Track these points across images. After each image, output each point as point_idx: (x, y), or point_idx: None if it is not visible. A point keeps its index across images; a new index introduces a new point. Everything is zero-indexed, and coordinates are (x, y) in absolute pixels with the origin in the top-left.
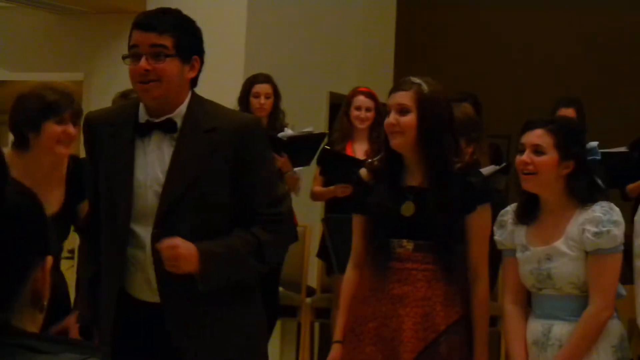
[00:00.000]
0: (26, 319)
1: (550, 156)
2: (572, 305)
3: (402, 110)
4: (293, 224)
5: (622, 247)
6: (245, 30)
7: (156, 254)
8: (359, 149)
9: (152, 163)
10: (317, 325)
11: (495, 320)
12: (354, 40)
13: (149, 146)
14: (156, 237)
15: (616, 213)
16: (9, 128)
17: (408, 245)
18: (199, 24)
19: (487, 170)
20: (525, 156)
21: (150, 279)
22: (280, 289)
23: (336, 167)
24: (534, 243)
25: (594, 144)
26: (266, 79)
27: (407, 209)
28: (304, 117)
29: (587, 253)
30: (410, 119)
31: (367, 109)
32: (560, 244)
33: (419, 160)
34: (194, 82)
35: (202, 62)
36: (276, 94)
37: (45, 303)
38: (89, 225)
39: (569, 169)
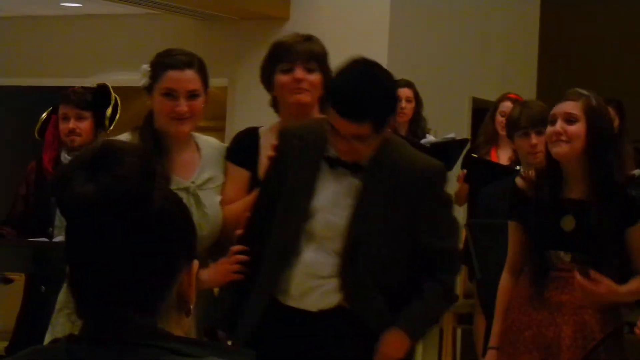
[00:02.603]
0: (172, 322)
1: None
2: None
3: (570, 120)
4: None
5: None
6: (388, 36)
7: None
8: (502, 155)
9: (333, 191)
10: (459, 330)
11: None
12: (497, 45)
13: (332, 173)
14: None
15: None
16: None
17: (565, 257)
18: (342, 29)
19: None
20: None
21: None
22: None
23: (483, 174)
24: None
25: None
26: (407, 83)
27: (568, 223)
28: (447, 123)
29: None
30: (578, 128)
31: None
32: None
33: (581, 173)
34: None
35: (395, 114)
36: (417, 100)
37: (192, 307)
38: (246, 234)
39: None
